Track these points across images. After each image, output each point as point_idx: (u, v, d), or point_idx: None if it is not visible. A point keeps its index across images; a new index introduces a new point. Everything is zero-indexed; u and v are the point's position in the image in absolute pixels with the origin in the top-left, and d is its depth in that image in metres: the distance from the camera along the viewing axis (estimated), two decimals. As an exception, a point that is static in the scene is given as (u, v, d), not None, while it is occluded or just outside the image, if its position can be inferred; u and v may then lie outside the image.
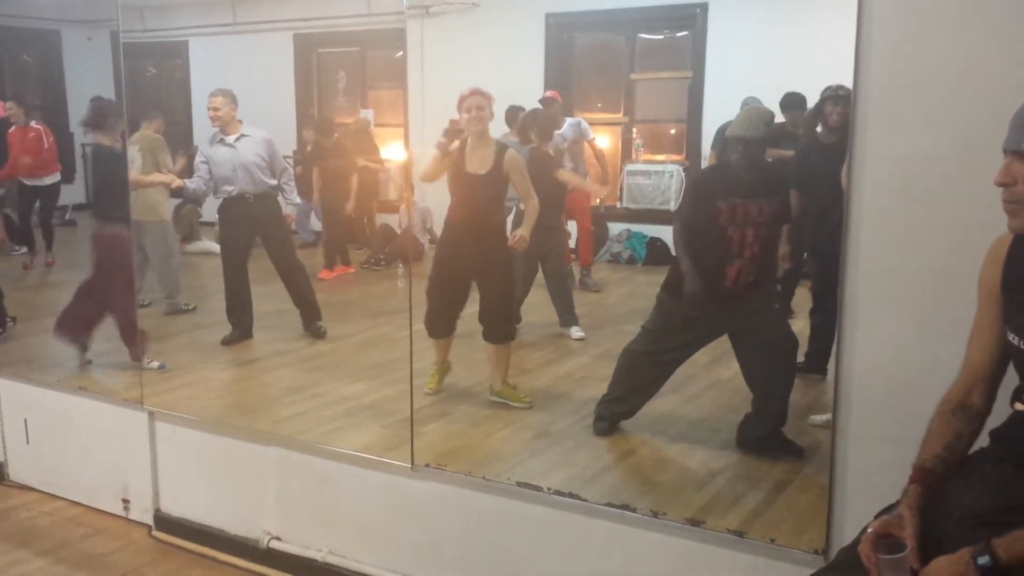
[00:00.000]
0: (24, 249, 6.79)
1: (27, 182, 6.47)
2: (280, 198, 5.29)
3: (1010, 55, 2.12)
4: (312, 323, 5.26)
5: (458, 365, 4.38)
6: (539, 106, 5.02)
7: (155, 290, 5.54)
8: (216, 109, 5.01)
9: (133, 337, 4.50)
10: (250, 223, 5.18)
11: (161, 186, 5.70)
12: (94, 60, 6.63)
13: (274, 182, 5.22)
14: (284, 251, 5.35)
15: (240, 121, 5.11)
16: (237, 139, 5.07)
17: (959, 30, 2.18)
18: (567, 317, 4.91)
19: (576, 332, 4.86)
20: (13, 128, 6.35)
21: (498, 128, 4.45)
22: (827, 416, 3.33)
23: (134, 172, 5.52)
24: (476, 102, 3.94)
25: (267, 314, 5.26)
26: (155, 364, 4.49)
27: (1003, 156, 1.78)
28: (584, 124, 5.25)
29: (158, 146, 5.65)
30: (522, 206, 4.16)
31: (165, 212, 5.75)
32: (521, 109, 5.04)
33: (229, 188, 5.13)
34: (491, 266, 4.11)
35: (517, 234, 4.08)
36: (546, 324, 5.01)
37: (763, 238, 3.41)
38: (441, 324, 4.15)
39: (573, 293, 5.06)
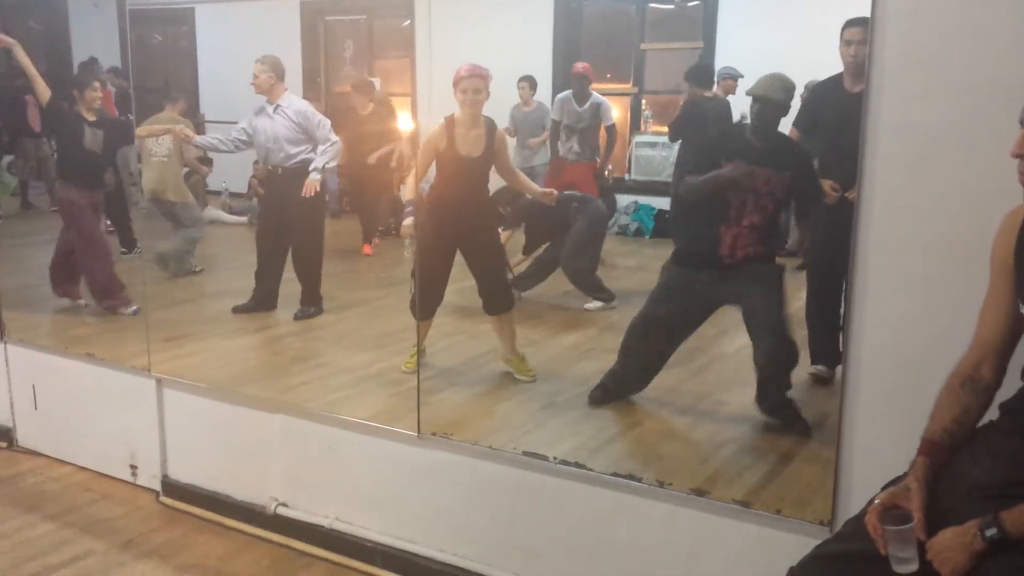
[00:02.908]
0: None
1: None
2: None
3: (1026, 26, 2.10)
4: (306, 307, 5.07)
5: (464, 335, 4.38)
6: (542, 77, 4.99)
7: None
8: (255, 76, 4.84)
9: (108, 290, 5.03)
10: (279, 198, 5.05)
11: (179, 164, 5.77)
12: (100, 27, 6.59)
13: (307, 154, 4.96)
14: (303, 233, 5.10)
15: (286, 90, 4.94)
16: (275, 109, 4.92)
17: (973, 1, 2.15)
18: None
19: (590, 304, 4.85)
20: None
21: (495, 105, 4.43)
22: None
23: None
24: (473, 84, 3.83)
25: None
26: (132, 310, 4.94)
27: (1019, 128, 1.76)
28: (606, 106, 5.05)
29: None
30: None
31: (188, 191, 5.84)
32: (532, 79, 5.03)
33: (264, 159, 5.03)
34: (481, 242, 4.08)
35: (543, 191, 4.15)
36: (553, 295, 5.00)
37: (764, 209, 3.35)
38: (428, 305, 4.02)
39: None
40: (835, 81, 3.23)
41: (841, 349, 2.46)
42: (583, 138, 5.01)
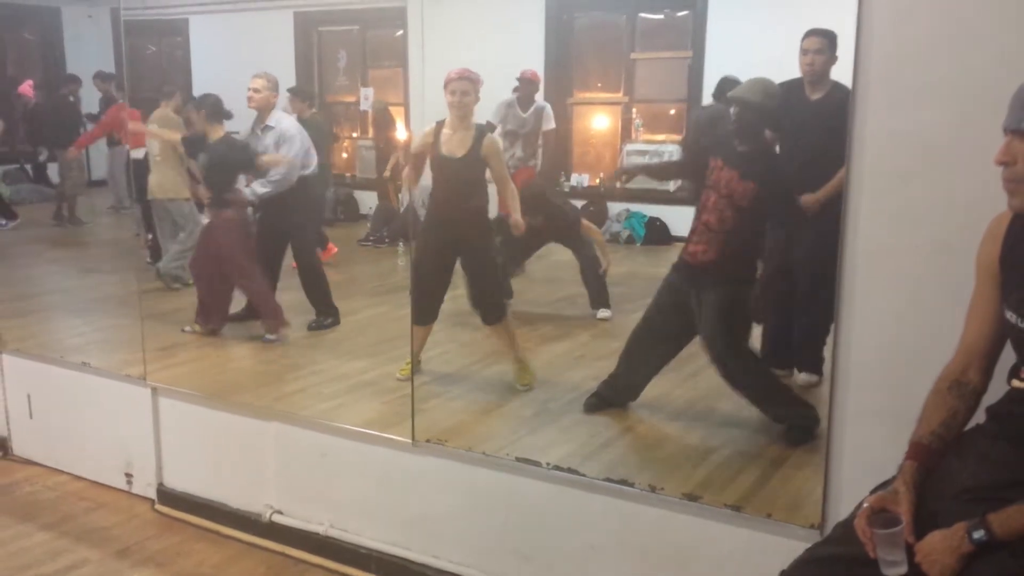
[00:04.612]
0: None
1: None
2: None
3: (1010, 33, 2.12)
4: (321, 320, 5.07)
5: (457, 343, 4.39)
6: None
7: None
8: (256, 91, 4.78)
9: (268, 310, 4.84)
10: (274, 215, 4.99)
11: (179, 164, 5.75)
12: (94, 38, 6.63)
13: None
14: (303, 247, 5.12)
15: (275, 109, 4.91)
16: (263, 129, 4.87)
17: (959, 7, 2.18)
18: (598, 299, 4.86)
19: (602, 312, 4.85)
20: None
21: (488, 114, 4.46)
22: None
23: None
24: (462, 87, 3.89)
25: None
26: (272, 337, 4.81)
27: (1003, 135, 1.79)
28: (548, 111, 5.06)
29: (171, 126, 5.67)
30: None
31: (181, 189, 5.81)
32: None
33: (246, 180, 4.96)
34: (475, 250, 4.10)
35: (513, 220, 4.11)
36: (544, 302, 5.02)
37: (722, 212, 3.33)
38: (426, 310, 4.05)
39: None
40: (797, 86, 3.25)
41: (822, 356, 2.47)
42: (526, 142, 5.03)
